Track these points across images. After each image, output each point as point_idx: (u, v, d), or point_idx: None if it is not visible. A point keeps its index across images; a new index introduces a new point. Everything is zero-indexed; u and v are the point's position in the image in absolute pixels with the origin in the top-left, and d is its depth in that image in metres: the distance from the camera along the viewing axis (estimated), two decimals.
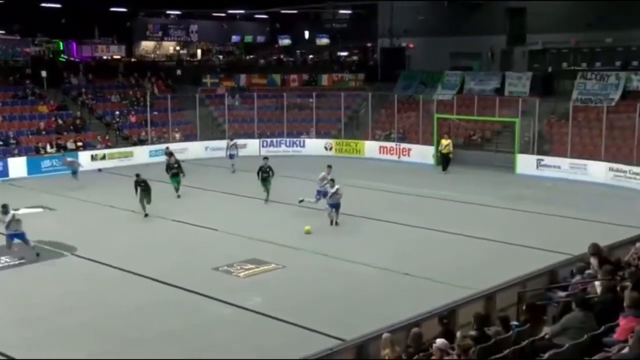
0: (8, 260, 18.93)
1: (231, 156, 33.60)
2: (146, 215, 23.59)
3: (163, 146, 37.61)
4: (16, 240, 18.91)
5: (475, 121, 37.44)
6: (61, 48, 51.53)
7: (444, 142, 33.47)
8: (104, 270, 18.27)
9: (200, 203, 26.31)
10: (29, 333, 14.21)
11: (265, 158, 27.79)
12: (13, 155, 33.49)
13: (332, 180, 22.75)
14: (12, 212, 18.27)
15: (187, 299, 16.01)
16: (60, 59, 49.03)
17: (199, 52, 61.01)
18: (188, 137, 39.84)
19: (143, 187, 23.78)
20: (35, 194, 28.24)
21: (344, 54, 55.42)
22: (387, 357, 8.67)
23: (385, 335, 9.37)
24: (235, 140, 34.98)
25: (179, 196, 26.67)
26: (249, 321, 14.70)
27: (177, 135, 39.65)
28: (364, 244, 20.48)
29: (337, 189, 22.22)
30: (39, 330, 14.37)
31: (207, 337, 13.88)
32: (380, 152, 38.63)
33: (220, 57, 57.31)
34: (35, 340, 13.86)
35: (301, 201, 24.12)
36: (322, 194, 23.38)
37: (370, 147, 39.15)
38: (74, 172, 30.05)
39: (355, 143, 39.75)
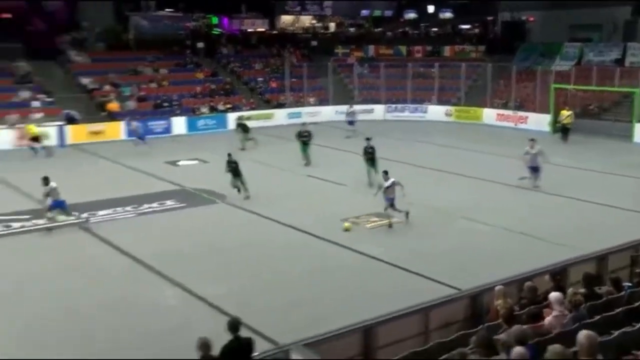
0: (173, 203, 19.94)
1: (350, 122, 33.17)
2: (247, 196, 20.56)
3: (300, 109, 38.28)
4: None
5: (593, 91, 35.48)
6: (215, 22, 52.82)
7: (565, 113, 31.77)
8: (249, 215, 18.88)
9: (331, 161, 26.52)
10: (221, 260, 15.09)
11: (304, 124, 27.17)
12: (175, 115, 35.07)
13: (386, 172, 18.04)
14: (52, 183, 17.51)
15: (319, 245, 16.29)
16: (214, 32, 50.34)
17: (332, 25, 60.86)
18: (321, 102, 40.29)
19: (234, 168, 20.56)
20: (192, 148, 29.44)
21: (466, 27, 53.74)
22: (499, 307, 8.51)
23: (498, 287, 9.19)
24: (354, 107, 34.76)
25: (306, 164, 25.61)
26: (372, 268, 14.78)
27: (312, 100, 40.15)
28: (485, 204, 19.97)
29: (393, 182, 17.54)
30: (229, 259, 15.17)
31: (335, 278, 14.10)
32: (497, 119, 37.46)
33: (351, 29, 56.95)
34: (227, 266, 14.67)
35: (522, 179, 21.67)
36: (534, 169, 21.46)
37: (488, 114, 38.03)
38: (141, 137, 29.73)
39: (474, 110, 38.78)
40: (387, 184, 17.56)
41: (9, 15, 37.99)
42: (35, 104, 32.80)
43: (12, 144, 29.67)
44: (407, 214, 17.69)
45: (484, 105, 38.77)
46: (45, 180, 17.36)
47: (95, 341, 11.18)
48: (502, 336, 7.06)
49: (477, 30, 52.05)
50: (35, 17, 39.44)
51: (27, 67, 35.23)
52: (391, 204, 17.53)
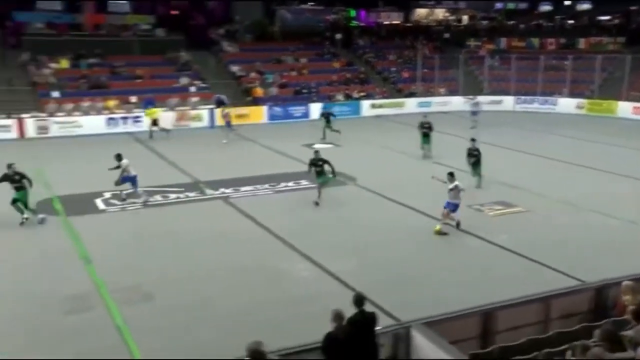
0: (307, 183, 20.30)
1: (473, 113, 32.06)
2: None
3: (430, 99, 37.67)
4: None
5: None
6: (352, 15, 53.01)
7: None
8: (376, 197, 18.82)
9: (456, 150, 25.85)
10: (350, 237, 15.04)
11: (425, 115, 25.95)
12: (313, 102, 35.60)
13: (452, 174, 15.73)
14: (125, 160, 17.80)
15: (448, 230, 15.94)
16: (351, 24, 50.52)
17: (465, 17, 59.32)
18: (451, 92, 39.38)
19: (319, 169, 18.05)
20: (328, 133, 29.75)
21: (605, 18, 50.38)
22: (627, 303, 7.93)
23: (626, 282, 8.56)
24: (477, 99, 33.68)
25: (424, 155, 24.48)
26: (494, 254, 14.33)
27: (442, 90, 39.36)
28: (615, 198, 18.67)
29: (456, 186, 15.47)
30: (356, 237, 15.11)
31: (457, 262, 13.80)
32: (633, 113, 34.92)
33: (484, 22, 55.21)
34: (355, 243, 14.54)
35: None
36: None
37: (624, 108, 35.55)
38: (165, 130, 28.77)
39: (609, 103, 36.39)
40: (450, 186, 15.50)
41: (176, 12, 40.28)
42: (192, 89, 34.49)
43: (171, 124, 31.44)
44: (458, 224, 15.72)
45: (620, 98, 36.26)
46: (119, 157, 17.88)
47: (242, 297, 11.77)
48: (630, 333, 6.59)
49: (617, 21, 48.60)
50: (196, 13, 41.46)
51: (187, 57, 37.16)
52: (453, 210, 15.44)
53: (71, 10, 37.73)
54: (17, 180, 15.93)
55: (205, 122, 32.25)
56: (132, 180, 17.79)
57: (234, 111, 33.08)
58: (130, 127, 30.72)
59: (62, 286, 12.29)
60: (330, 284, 12.52)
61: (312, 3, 48.36)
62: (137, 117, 31.07)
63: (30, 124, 29.19)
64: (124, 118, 30.94)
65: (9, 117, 29.09)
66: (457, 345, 7.63)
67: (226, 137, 27.80)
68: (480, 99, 34.62)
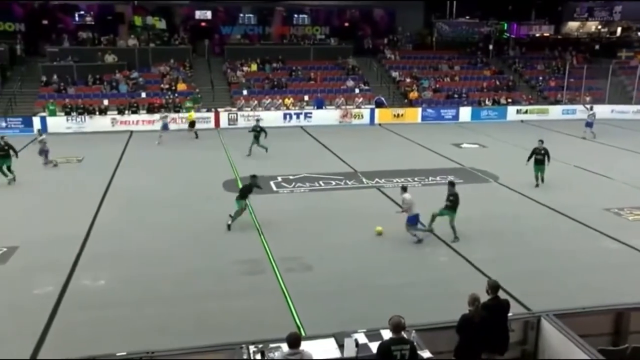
0: (453, 178, 19.77)
1: (588, 124, 27.80)
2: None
3: (575, 107, 34.95)
4: None
5: None
6: (505, 28, 50.56)
7: None
8: (516, 195, 17.90)
9: (597, 155, 23.93)
10: (489, 229, 14.28)
11: (542, 142, 19.35)
12: (463, 105, 34.55)
13: (404, 188, 13.88)
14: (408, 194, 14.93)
15: (580, 229, 14.81)
16: (503, 36, 48.19)
17: (618, 29, 54.18)
18: (597, 101, 36.17)
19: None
20: (474, 134, 28.80)
21: None
22: None
23: None
24: (593, 110, 29.60)
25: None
26: (632, 256, 13.04)
27: (587, 99, 36.29)
28: None
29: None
30: (497, 229, 14.27)
31: (591, 261, 12.74)
32: None
33: (639, 33, 50.03)
34: (495, 235, 13.89)
35: None
36: None
37: None
38: (164, 126, 27.02)
39: None
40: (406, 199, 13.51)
41: (347, 24, 41.10)
42: (357, 90, 34.92)
43: (337, 120, 32.14)
44: (420, 240, 13.65)
45: None
46: (404, 189, 14.17)
47: (388, 273, 11.68)
48: None
49: None
50: (365, 25, 41.92)
51: (354, 62, 37.69)
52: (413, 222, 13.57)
53: (263, 24, 39.79)
54: (4, 149, 18.76)
55: (366, 120, 32.54)
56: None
57: (391, 111, 33.08)
58: (303, 122, 31.78)
59: (240, 251, 13.06)
60: (466, 269, 12.14)
61: (468, 17, 46.86)
62: (309, 113, 32.06)
63: (224, 117, 31.22)
64: (298, 114, 32.05)
65: (209, 111, 31.37)
66: (587, 339, 7.06)
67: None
68: (599, 109, 30.93)
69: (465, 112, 33.95)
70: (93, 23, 36.72)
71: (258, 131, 22.71)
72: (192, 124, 28.27)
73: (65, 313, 10.17)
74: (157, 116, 29.30)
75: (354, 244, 13.53)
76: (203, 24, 38.58)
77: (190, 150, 24.66)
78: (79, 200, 16.98)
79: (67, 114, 29.52)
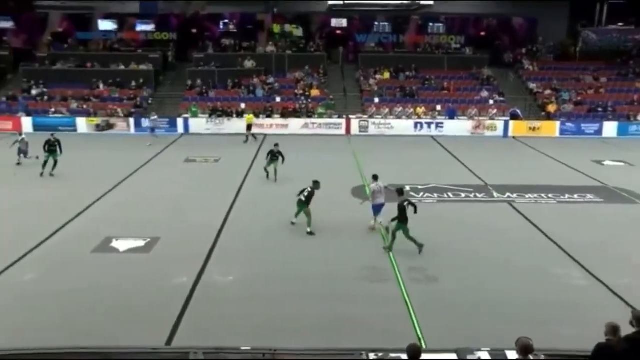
0: (592, 197, 18.46)
1: None
2: None
3: None
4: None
5: None
6: None
7: None
8: None
9: None
10: (629, 254, 13.68)
11: None
12: (607, 120, 32.11)
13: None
14: (377, 183, 14.93)
15: None
16: None
17: None
18: None
19: None
20: (618, 151, 26.60)
21: None
22: None
23: None
24: None
25: None
26: None
27: None
28: None
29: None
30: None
31: None
32: None
33: None
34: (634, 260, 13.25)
35: None
36: None
37: None
38: (152, 130, 29.02)
39: None
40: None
41: (484, 33, 39.85)
42: (491, 102, 33.74)
43: (469, 131, 31.29)
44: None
45: None
46: (375, 178, 15.22)
47: (516, 292, 11.12)
48: None
49: None
50: (502, 34, 40.41)
51: (489, 73, 36.46)
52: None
53: (398, 32, 39.80)
54: (54, 145, 20.45)
55: (499, 132, 31.31)
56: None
57: (526, 124, 31.56)
58: (434, 131, 31.30)
59: (364, 257, 13.14)
60: (604, 295, 11.23)
61: (621, 24, 43.34)
62: (440, 123, 31.52)
63: (355, 124, 31.61)
64: (429, 123, 31.62)
65: (340, 117, 31.94)
66: None
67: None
68: None
69: (610, 127, 31.50)
70: (235, 31, 38.95)
71: (276, 155, 20.69)
72: (249, 127, 28.95)
73: (196, 304, 10.84)
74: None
75: (482, 259, 13.07)
76: (338, 31, 39.42)
77: (319, 155, 25.24)
78: (214, 197, 18.05)
79: (210, 116, 31.54)
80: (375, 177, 15.09)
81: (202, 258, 12.92)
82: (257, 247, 13.86)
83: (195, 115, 31.67)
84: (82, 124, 31.20)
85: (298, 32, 39.06)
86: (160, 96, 34.73)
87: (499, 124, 31.54)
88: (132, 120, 31.30)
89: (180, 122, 31.21)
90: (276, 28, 38.91)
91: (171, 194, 18.61)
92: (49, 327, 9.82)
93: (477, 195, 18.68)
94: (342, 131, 31.33)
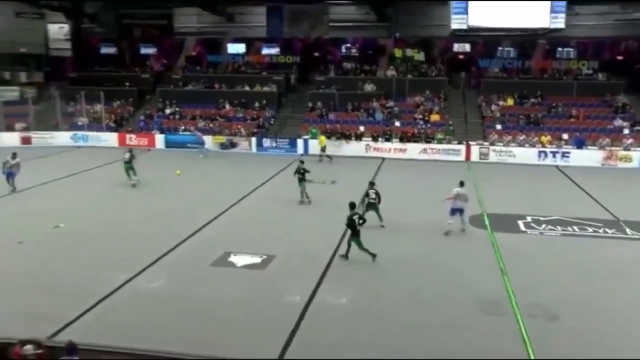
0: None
1: None
2: None
3: None
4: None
5: None
6: None
7: None
8: None
9: None
10: None
11: None
12: None
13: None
14: (462, 189, 16.76)
15: None
16: None
17: None
18: None
19: None
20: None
21: None
22: None
23: None
24: None
25: None
26: None
27: None
28: None
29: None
30: None
31: None
32: None
33: None
34: None
35: None
36: None
37: None
38: (201, 144, 30.77)
39: None
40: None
41: (621, 57, 37.31)
42: (626, 131, 31.45)
43: (599, 162, 29.36)
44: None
45: None
46: (461, 184, 17.07)
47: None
48: None
49: None
50: None
51: (625, 100, 34.08)
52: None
53: (523, 57, 38.40)
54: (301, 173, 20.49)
55: (635, 164, 29.04)
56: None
57: None
58: (559, 161, 29.70)
59: (480, 288, 12.70)
60: None
61: None
62: (567, 152, 29.87)
63: (475, 150, 30.81)
64: (554, 152, 30.07)
65: (460, 143, 31.30)
66: None
67: None
68: None
69: None
70: (357, 55, 39.63)
71: (302, 173, 20.57)
72: (323, 148, 29.94)
73: (308, 322, 11.04)
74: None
75: (608, 300, 12.14)
76: (461, 56, 38.81)
77: (436, 181, 24.78)
78: (329, 218, 18.31)
79: (329, 138, 32.22)
80: (461, 183, 16.83)
81: (316, 278, 13.16)
82: (371, 269, 13.88)
83: (314, 136, 32.50)
84: (208, 142, 33.14)
85: (419, 56, 38.95)
86: (281, 117, 36.08)
87: (635, 155, 29.29)
88: (254, 140, 32.75)
89: (300, 142, 32.18)
90: (397, 52, 39.09)
91: (288, 212, 19.17)
92: (164, 333, 10.48)
93: (607, 230, 17.41)
94: (462, 157, 30.65)
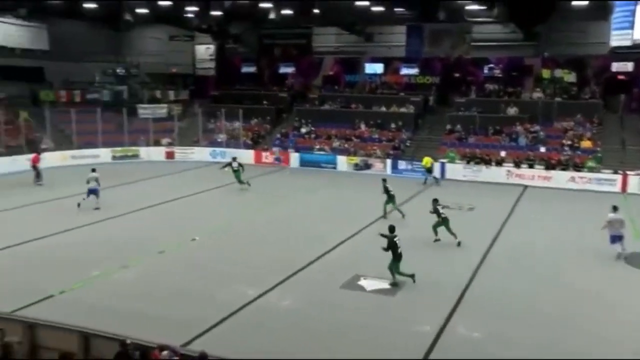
0: None
1: None
2: None
3: None
4: None
5: None
6: None
7: None
8: None
9: None
10: None
11: None
12: None
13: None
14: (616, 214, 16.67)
15: None
16: None
17: None
18: None
19: None
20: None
21: None
22: None
23: None
24: None
25: None
26: None
27: None
28: None
29: None
30: None
31: None
32: None
33: None
34: None
35: None
36: None
37: None
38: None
39: None
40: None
41: None
42: None
43: None
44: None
45: None
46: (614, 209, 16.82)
47: None
48: None
49: None
50: None
51: None
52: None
53: None
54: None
55: None
56: None
57: None
58: None
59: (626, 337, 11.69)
60: None
61: None
62: None
63: (634, 181, 28.42)
64: None
65: (615, 172, 29.09)
66: None
67: None
68: None
69: None
70: (500, 76, 38.45)
71: (390, 193, 21.49)
72: (429, 170, 30.02)
73: (437, 357, 10.80)
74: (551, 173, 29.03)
75: None
76: (620, 76, 36.18)
77: (587, 214, 23.17)
78: (464, 247, 17.88)
79: (467, 162, 31.47)
80: (614, 208, 16.58)
81: (447, 308, 12.88)
82: (508, 304, 13.31)
83: (452, 160, 31.92)
84: (342, 162, 33.79)
85: (570, 77, 36.89)
86: (418, 139, 35.90)
87: None
88: (389, 162, 32.84)
89: (436, 166, 31.79)
90: (545, 73, 37.33)
91: (420, 238, 18.95)
92: (290, 352, 10.83)
93: None
94: (616, 188, 28.42)
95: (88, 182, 22.21)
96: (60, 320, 9.80)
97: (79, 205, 21.88)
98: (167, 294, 13.71)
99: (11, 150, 31.70)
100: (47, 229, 18.88)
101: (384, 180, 22.38)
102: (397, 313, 12.83)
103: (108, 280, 14.57)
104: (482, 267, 16.03)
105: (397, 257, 14.21)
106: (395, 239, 14.27)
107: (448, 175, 31.09)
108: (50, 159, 31.58)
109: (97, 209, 22.03)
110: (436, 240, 18.21)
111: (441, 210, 18.09)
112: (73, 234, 18.80)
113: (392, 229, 14.60)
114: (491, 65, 38.80)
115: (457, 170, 31.41)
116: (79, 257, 16.19)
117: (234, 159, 27.92)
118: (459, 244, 17.77)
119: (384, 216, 21.41)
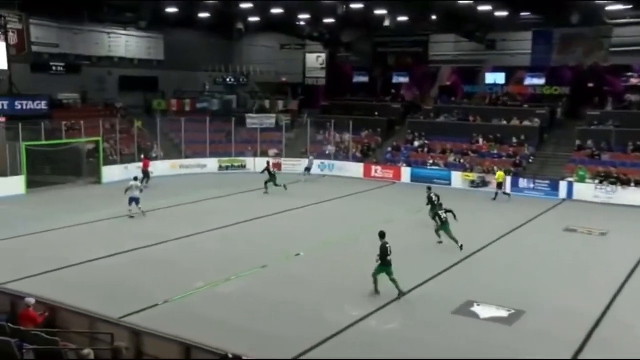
0: None
1: None
2: None
3: None
4: None
5: None
6: None
7: None
8: None
9: None
10: None
11: None
12: None
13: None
14: None
15: None
16: None
17: None
18: None
19: None
20: None
21: None
22: None
23: None
24: None
25: None
26: None
27: None
28: None
29: None
30: None
31: None
32: None
33: None
34: None
35: None
36: None
37: None
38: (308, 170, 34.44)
39: None
40: None
41: None
42: None
43: None
44: None
45: None
46: None
47: None
48: None
49: None
50: None
51: None
52: None
53: None
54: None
55: None
56: None
57: None
58: None
59: None
60: None
61: None
62: None
63: None
64: None
65: None
66: None
67: None
68: None
69: None
70: None
71: (434, 203, 22.27)
72: (499, 184, 29.60)
73: None
74: None
75: None
76: None
77: None
78: (594, 277, 16.89)
79: (600, 182, 29.67)
80: None
81: (575, 342, 12.15)
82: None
83: (582, 179, 30.25)
84: (457, 179, 33.03)
85: None
86: (543, 155, 34.38)
87: None
88: (508, 179, 31.65)
89: (563, 185, 30.26)
90: None
91: (541, 264, 18.13)
92: None
93: None
94: None
95: (126, 190, 23.53)
96: (163, 330, 10.25)
97: (144, 213, 23.49)
98: (270, 308, 14.00)
99: (125, 159, 33.93)
100: (150, 238, 20.02)
101: (429, 189, 23.24)
102: (514, 344, 12.29)
103: (212, 292, 15.13)
104: (617, 301, 14.98)
105: (385, 263, 14.50)
106: (387, 245, 14.57)
107: (575, 195, 29.51)
108: (161, 167, 33.51)
109: (131, 217, 23.37)
110: (439, 242, 19.54)
111: (443, 216, 19.16)
112: (180, 244, 19.77)
113: (382, 234, 14.83)
114: (633, 74, 36.36)
115: (587, 190, 29.70)
116: (185, 268, 16.99)
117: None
118: (461, 247, 18.72)
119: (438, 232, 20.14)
